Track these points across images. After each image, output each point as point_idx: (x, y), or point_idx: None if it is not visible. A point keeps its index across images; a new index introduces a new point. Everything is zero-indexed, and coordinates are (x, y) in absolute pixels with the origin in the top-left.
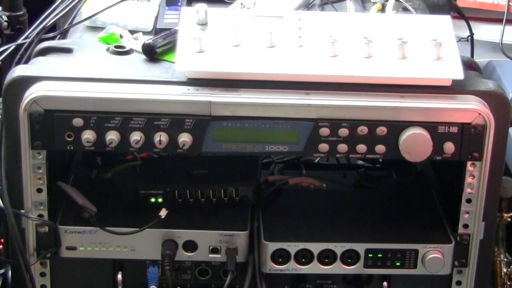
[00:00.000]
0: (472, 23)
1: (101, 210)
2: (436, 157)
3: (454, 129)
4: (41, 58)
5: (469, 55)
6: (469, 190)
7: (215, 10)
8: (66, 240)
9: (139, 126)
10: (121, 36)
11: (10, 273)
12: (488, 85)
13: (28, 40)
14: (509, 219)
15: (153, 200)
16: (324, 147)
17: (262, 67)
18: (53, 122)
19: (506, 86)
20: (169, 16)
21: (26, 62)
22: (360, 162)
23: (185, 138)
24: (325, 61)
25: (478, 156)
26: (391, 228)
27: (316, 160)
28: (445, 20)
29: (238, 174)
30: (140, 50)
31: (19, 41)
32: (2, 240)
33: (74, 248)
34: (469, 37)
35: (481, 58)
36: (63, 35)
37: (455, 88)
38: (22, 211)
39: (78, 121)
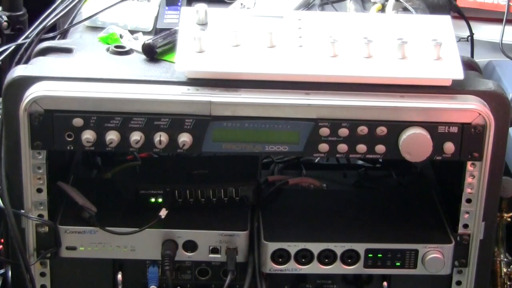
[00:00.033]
0: (472, 23)
1: (101, 210)
2: (436, 157)
3: (454, 129)
4: (41, 58)
5: (469, 55)
6: (469, 190)
7: (215, 10)
8: (66, 240)
9: (139, 126)
10: (121, 36)
11: (10, 273)
12: (488, 85)
13: (28, 40)
14: (509, 219)
15: (153, 200)
16: (324, 147)
17: (262, 67)
18: (53, 122)
19: (506, 86)
20: (169, 16)
21: (26, 62)
22: (360, 162)
23: (185, 138)
24: (325, 61)
25: (478, 156)
26: (391, 228)
27: (316, 160)
28: (445, 20)
29: (238, 174)
30: (140, 50)
31: (19, 41)
32: (2, 240)
33: (74, 248)
34: (469, 37)
35: (481, 58)
36: (63, 35)
37: (455, 88)
38: (22, 211)
39: (78, 121)
